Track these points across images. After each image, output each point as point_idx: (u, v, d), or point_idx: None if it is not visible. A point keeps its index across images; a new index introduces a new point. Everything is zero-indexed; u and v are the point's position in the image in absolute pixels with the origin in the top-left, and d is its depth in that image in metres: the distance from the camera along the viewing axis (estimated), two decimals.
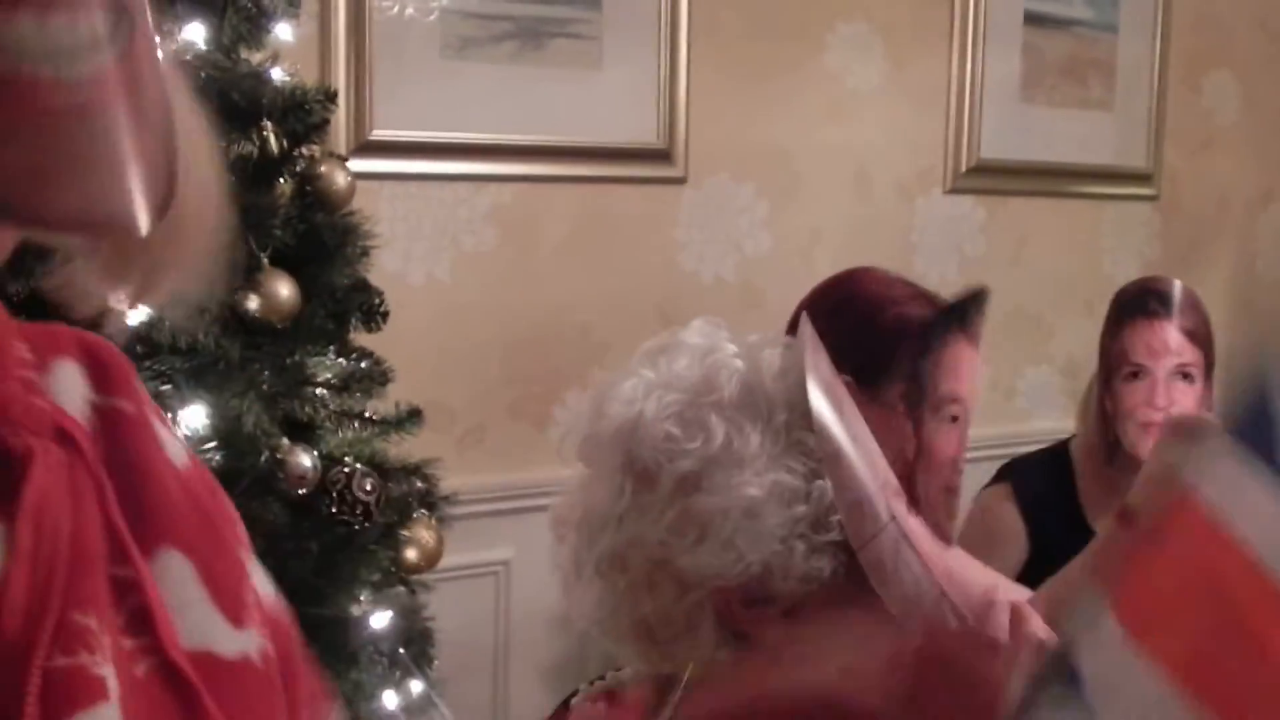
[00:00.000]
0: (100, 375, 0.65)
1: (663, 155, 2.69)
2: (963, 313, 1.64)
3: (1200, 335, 2.27)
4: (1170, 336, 2.24)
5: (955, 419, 1.65)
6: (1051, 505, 2.35)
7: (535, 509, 2.50)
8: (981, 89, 3.08)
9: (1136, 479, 1.68)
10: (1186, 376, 2.24)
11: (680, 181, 2.72)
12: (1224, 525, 0.64)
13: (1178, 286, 2.28)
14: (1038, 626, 1.08)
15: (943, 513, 1.66)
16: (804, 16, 2.84)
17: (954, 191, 3.10)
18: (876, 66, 2.95)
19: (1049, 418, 3.11)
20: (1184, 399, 2.23)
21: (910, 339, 1.62)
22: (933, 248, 3.08)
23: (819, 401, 1.08)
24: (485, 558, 2.52)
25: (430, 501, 1.85)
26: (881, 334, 1.63)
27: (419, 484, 1.82)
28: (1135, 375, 2.25)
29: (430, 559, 1.82)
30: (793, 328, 1.72)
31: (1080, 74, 3.23)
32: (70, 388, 0.63)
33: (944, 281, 3.08)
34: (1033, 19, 3.13)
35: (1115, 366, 2.28)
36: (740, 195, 2.81)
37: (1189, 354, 2.24)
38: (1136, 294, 2.31)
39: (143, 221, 0.50)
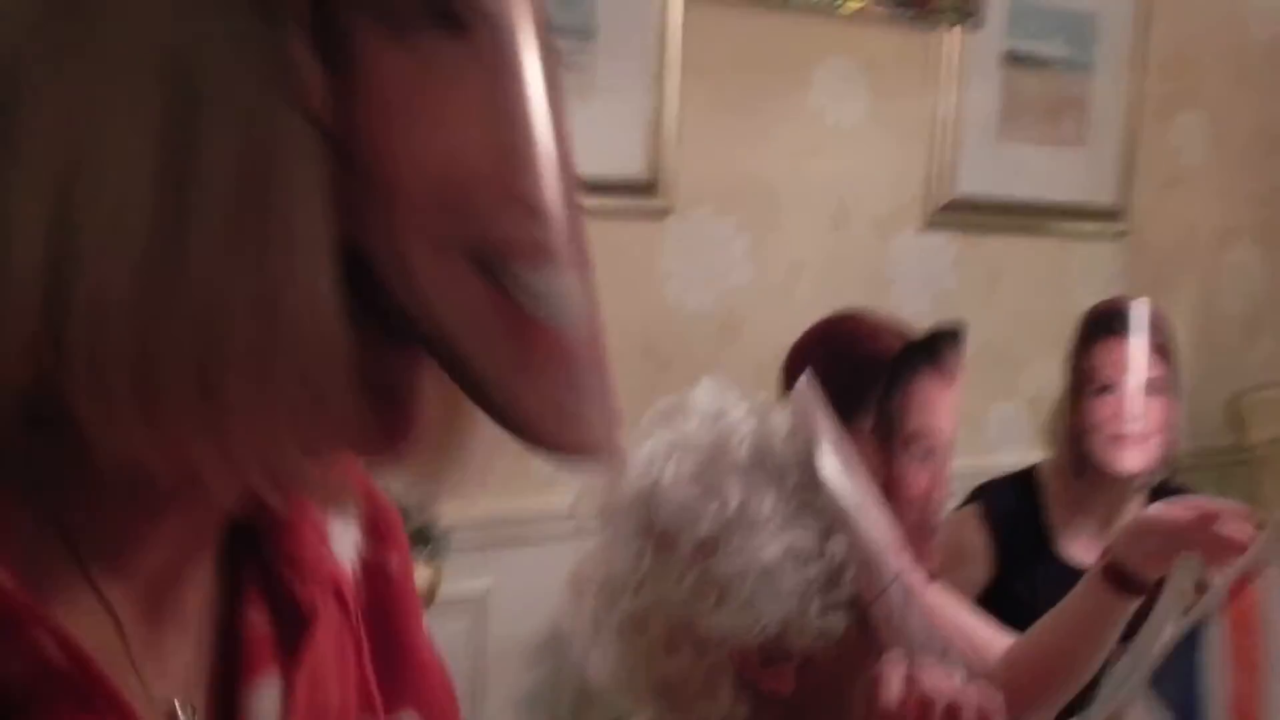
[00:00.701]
0: (373, 527, 0.68)
1: (648, 187, 2.72)
2: (931, 348, 1.67)
3: (1165, 351, 2.35)
4: (1137, 352, 2.33)
5: (928, 455, 1.68)
6: (1018, 525, 2.40)
7: (514, 540, 2.52)
8: (960, 126, 3.13)
9: (1119, 532, 1.71)
10: (1154, 391, 2.32)
11: (665, 213, 2.75)
12: None
13: (1142, 305, 2.36)
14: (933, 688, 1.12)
15: (917, 548, 1.68)
16: (790, 52, 2.87)
17: (930, 227, 3.14)
18: (859, 103, 2.99)
19: (1016, 452, 3.14)
20: (1152, 412, 2.32)
21: (879, 373, 1.65)
22: (908, 283, 3.12)
23: (828, 463, 1.11)
24: (463, 588, 2.53)
25: (427, 538, 1.86)
26: (854, 368, 1.66)
27: (417, 520, 1.84)
28: (1104, 390, 2.33)
29: (427, 597, 1.84)
30: (787, 374, 1.76)
31: (1055, 112, 3.29)
32: (345, 536, 0.66)
33: (919, 316, 3.12)
34: (1011, 58, 3.18)
35: (1084, 383, 2.37)
36: (723, 228, 2.84)
37: (1155, 369, 2.32)
38: (1104, 312, 2.40)
39: (614, 449, 0.56)
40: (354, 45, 0.49)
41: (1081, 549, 2.39)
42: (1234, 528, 1.61)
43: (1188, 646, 0.76)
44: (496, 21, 0.51)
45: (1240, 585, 0.79)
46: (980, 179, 3.18)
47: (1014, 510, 2.42)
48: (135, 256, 0.47)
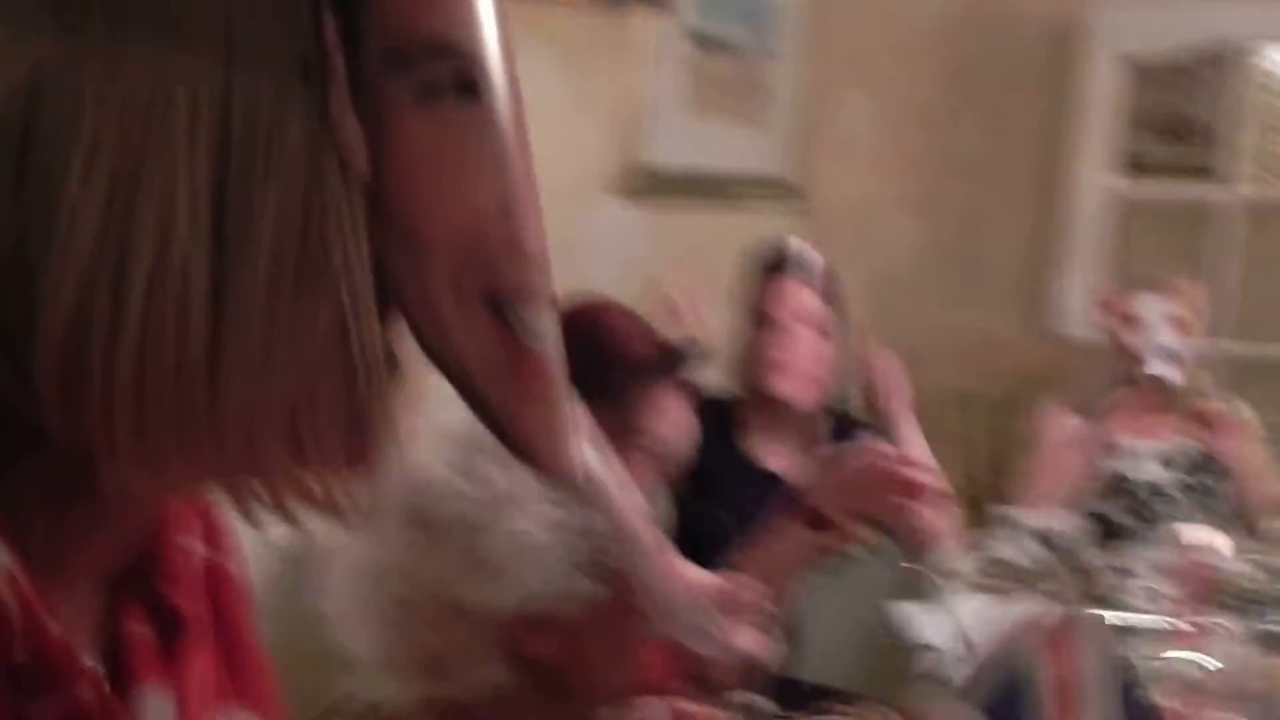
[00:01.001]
0: (210, 531, 0.69)
1: None
2: (675, 362, 1.81)
3: (829, 294, 2.65)
4: (802, 291, 2.61)
5: (651, 455, 1.82)
6: (711, 428, 2.61)
7: None
8: (651, 104, 3.25)
9: (816, 480, 1.86)
10: (815, 330, 2.62)
11: None
12: None
13: (808, 249, 2.68)
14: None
15: None
16: None
17: (624, 200, 3.26)
18: (553, 81, 3.07)
19: None
20: (811, 347, 2.62)
21: (622, 375, 1.76)
22: (603, 254, 3.23)
23: (582, 442, 1.19)
24: None
25: None
26: (598, 364, 1.77)
27: None
28: (765, 323, 2.60)
29: None
30: None
31: (739, 91, 3.47)
32: (194, 547, 0.67)
33: (613, 285, 3.25)
34: (699, 39, 3.33)
35: (753, 318, 2.64)
36: None
37: (819, 308, 2.62)
38: (772, 254, 2.69)
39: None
40: (385, 108, 0.53)
41: (763, 454, 2.67)
42: (918, 475, 1.78)
43: (1018, 684, 0.92)
44: (497, 87, 0.57)
45: (1058, 631, 0.95)
46: (671, 154, 3.32)
47: (709, 416, 2.62)
48: (189, 305, 0.50)
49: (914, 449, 2.62)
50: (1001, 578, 2.73)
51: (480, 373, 0.58)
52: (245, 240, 0.50)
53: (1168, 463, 3.07)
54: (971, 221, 4.08)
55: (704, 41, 3.35)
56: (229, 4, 0.50)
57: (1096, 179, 3.99)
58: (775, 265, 2.68)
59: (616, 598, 1.20)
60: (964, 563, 2.82)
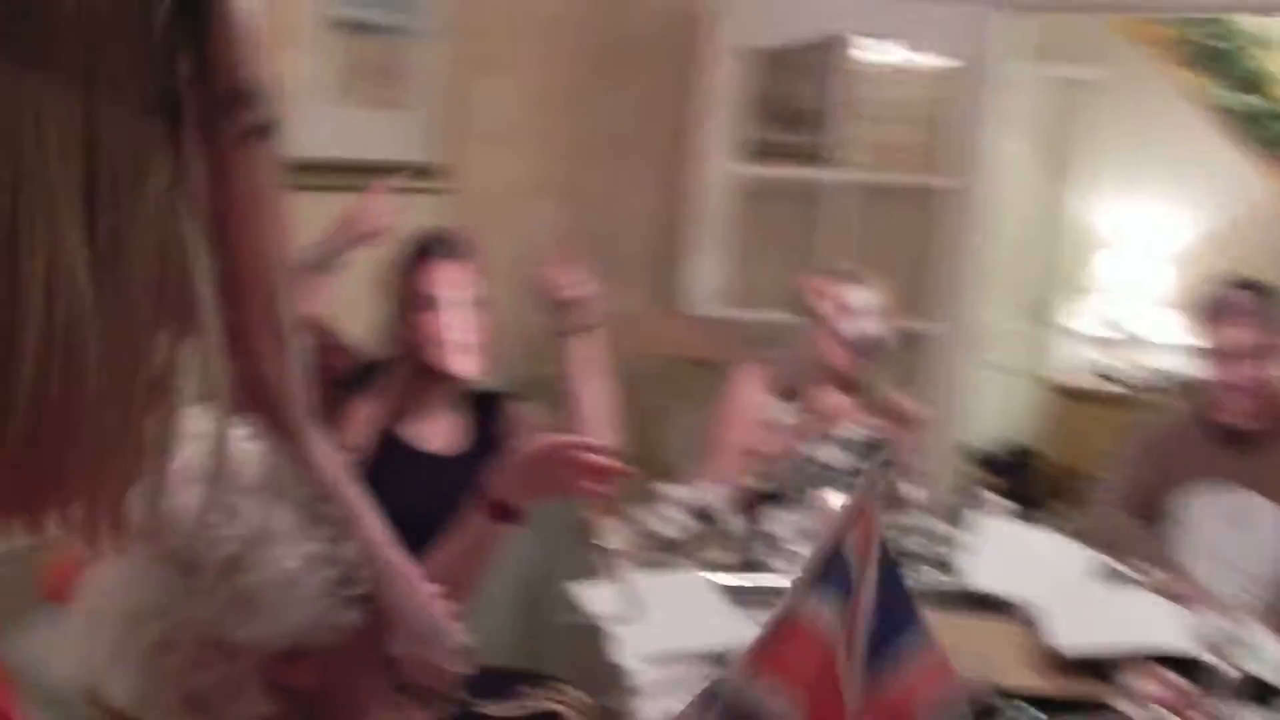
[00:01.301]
0: None
1: None
2: (370, 374, 1.83)
3: (479, 269, 2.78)
4: (458, 271, 2.73)
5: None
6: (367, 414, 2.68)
7: None
8: (294, 90, 3.21)
9: (498, 471, 1.92)
10: (474, 306, 2.74)
11: None
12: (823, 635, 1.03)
13: (457, 230, 2.81)
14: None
15: None
16: None
17: None
18: None
19: None
20: (474, 324, 2.73)
21: (326, 391, 1.77)
22: None
23: (329, 474, 1.22)
24: None
25: None
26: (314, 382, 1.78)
27: None
28: (433, 306, 2.69)
29: None
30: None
31: (383, 77, 3.46)
32: None
33: None
34: (340, 24, 3.30)
35: (410, 300, 2.71)
36: None
37: (472, 286, 2.74)
38: (428, 238, 2.78)
39: None
40: (218, 149, 0.56)
41: (418, 433, 2.70)
42: (591, 455, 1.87)
43: (839, 557, 1.07)
44: (279, 131, 0.60)
45: (859, 509, 1.08)
46: (318, 141, 3.28)
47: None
48: (83, 348, 0.51)
49: (589, 392, 2.73)
50: (656, 550, 2.88)
51: (283, 402, 0.63)
52: (118, 281, 0.51)
53: (845, 446, 3.27)
54: (609, 204, 4.23)
55: (347, 27, 3.32)
56: (89, 32, 0.50)
57: (721, 164, 4.22)
58: (428, 249, 2.75)
59: (370, 622, 1.23)
60: (623, 537, 2.95)
